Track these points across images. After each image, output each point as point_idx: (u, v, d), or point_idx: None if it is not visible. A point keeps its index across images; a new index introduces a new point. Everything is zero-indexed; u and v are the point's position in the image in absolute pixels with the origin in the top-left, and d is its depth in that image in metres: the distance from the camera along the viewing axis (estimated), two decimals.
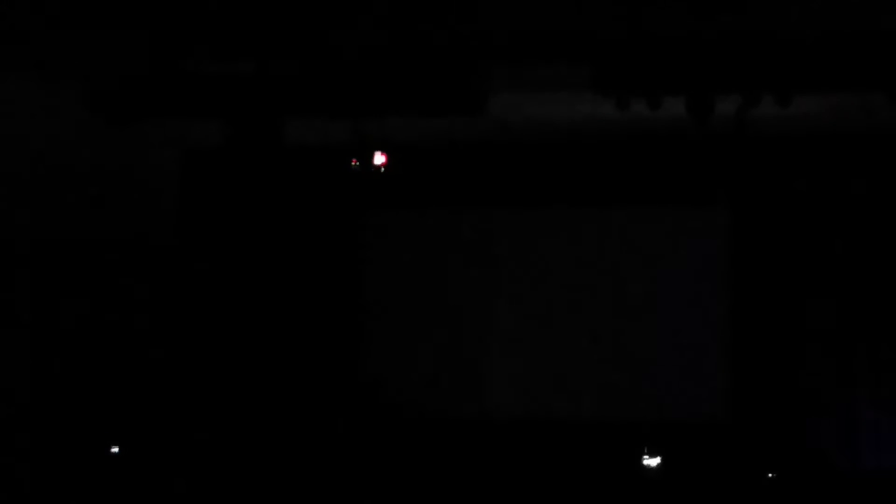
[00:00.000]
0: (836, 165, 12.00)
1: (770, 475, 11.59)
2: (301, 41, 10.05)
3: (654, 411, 12.13)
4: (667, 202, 12.34)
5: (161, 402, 12.37)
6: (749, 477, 11.61)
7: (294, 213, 12.74)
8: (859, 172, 11.96)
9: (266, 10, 9.83)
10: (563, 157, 12.40)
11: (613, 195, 12.44)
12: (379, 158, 11.29)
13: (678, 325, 12.20)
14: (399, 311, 12.70)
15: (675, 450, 11.91)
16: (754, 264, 12.17)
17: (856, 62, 9.42)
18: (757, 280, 12.13)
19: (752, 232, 12.20)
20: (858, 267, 11.99)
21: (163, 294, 12.62)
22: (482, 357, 12.54)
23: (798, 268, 12.07)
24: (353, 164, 11.37)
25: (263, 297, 12.65)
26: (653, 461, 11.83)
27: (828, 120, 11.37)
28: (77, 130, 11.41)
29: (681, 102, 9.85)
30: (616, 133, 11.65)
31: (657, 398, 12.15)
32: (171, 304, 12.63)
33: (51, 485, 11.77)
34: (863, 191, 11.99)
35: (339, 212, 12.75)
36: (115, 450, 12.28)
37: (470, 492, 11.84)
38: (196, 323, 12.66)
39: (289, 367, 12.55)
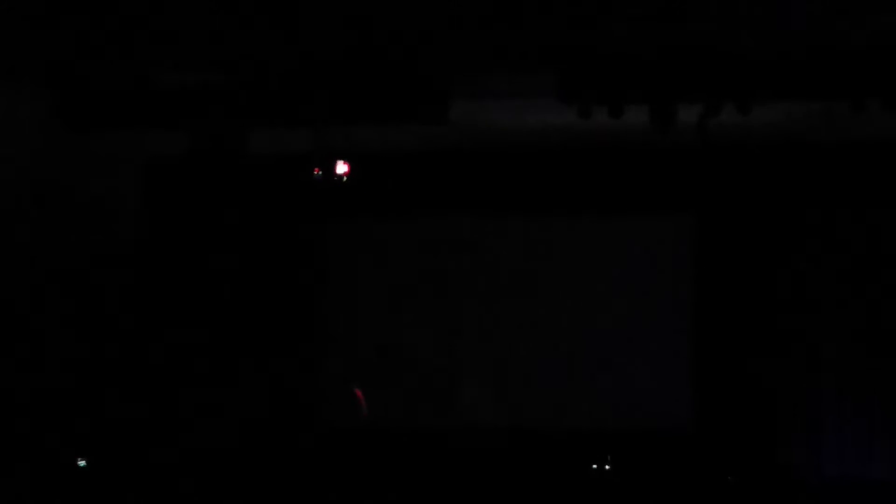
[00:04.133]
0: (800, 173, 12.00)
1: (730, 478, 11.56)
2: (263, 50, 10.02)
3: (620, 420, 12.10)
4: (632, 210, 12.33)
5: (122, 414, 12.27)
6: (711, 485, 11.58)
7: (256, 223, 12.68)
8: (824, 179, 11.96)
9: (228, 20, 9.79)
10: (526, 166, 12.38)
11: (578, 203, 12.42)
12: (341, 168, 11.25)
13: (643, 332, 12.17)
14: (362, 320, 12.64)
15: (641, 459, 11.88)
16: (720, 272, 12.15)
17: (817, 71, 9.46)
18: (722, 287, 12.11)
19: (717, 239, 12.18)
20: (823, 276, 11.97)
21: (122, 304, 12.53)
22: (447, 366, 12.50)
23: (764, 275, 12.04)
24: (315, 173, 11.32)
25: (225, 307, 12.57)
26: (615, 469, 11.80)
27: (793, 128, 11.40)
28: (36, 139, 11.35)
29: (644, 111, 9.87)
30: (581, 141, 11.64)
31: (623, 407, 12.12)
32: (131, 314, 12.53)
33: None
34: (828, 198, 11.99)
35: (301, 221, 12.70)
36: (82, 463, 12.16)
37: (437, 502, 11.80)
38: (156, 334, 12.58)
39: (251, 378, 12.47)
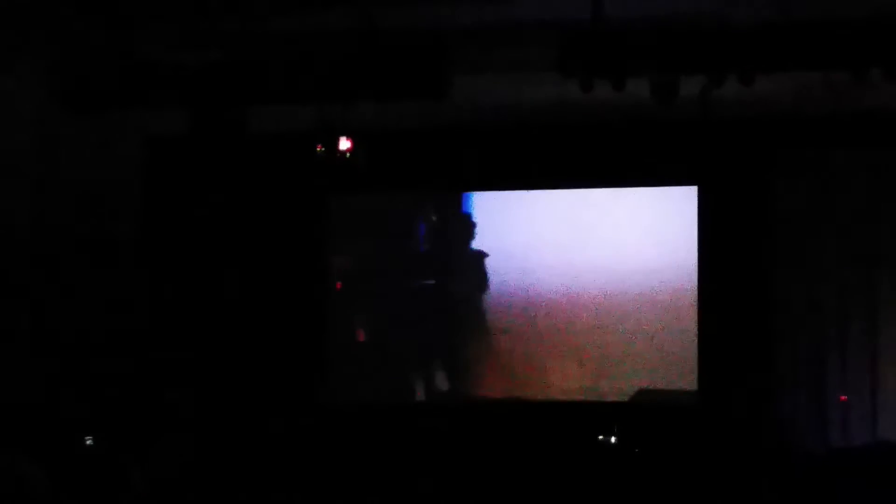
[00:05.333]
0: (802, 145, 11.99)
1: (732, 449, 11.61)
2: (264, 27, 9.98)
3: (624, 391, 12.12)
4: (634, 182, 12.33)
5: (125, 395, 12.28)
6: (715, 456, 11.62)
7: (259, 201, 12.71)
8: (825, 148, 11.96)
9: None
10: (530, 140, 12.39)
11: (582, 176, 12.42)
12: (344, 144, 11.21)
13: (648, 302, 12.18)
14: (364, 296, 12.66)
15: (646, 430, 11.91)
16: (723, 241, 12.16)
17: (819, 41, 9.41)
18: (725, 256, 12.13)
19: (720, 210, 12.18)
20: (827, 245, 11.99)
21: (126, 284, 12.51)
22: (448, 338, 12.52)
23: (768, 246, 12.05)
24: (318, 149, 11.29)
25: (228, 285, 12.60)
26: (620, 441, 11.84)
27: (794, 100, 11.37)
28: (35, 118, 11.31)
29: (645, 84, 9.83)
30: (584, 115, 11.62)
31: (627, 378, 12.15)
32: (134, 293, 12.53)
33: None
34: (830, 166, 12.00)
35: (304, 198, 12.73)
36: (90, 441, 12.17)
37: (442, 475, 11.82)
38: (160, 313, 12.59)
39: (253, 355, 12.51)
